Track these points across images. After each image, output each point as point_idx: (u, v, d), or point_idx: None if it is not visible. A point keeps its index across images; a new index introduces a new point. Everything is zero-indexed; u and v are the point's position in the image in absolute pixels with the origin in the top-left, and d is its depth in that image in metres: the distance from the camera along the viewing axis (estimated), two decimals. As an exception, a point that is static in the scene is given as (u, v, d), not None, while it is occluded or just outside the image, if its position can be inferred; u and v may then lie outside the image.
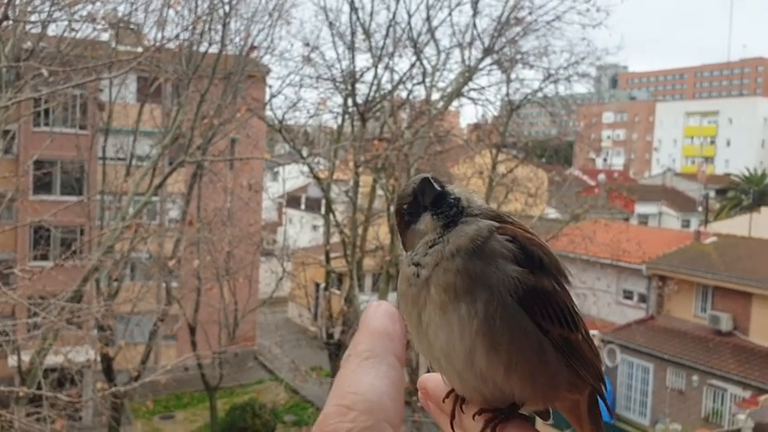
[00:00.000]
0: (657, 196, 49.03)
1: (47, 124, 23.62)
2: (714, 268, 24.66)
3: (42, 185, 24.85)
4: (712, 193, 52.46)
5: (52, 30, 13.16)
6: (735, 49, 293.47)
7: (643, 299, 26.80)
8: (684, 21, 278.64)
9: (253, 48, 19.56)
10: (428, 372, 1.02)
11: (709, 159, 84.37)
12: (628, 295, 27.44)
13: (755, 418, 19.30)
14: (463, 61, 20.98)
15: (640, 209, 46.26)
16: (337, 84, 21.36)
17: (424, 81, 21.12)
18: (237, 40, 19.34)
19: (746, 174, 57.72)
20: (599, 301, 24.18)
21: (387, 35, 20.46)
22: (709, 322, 24.09)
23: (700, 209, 45.78)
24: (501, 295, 0.92)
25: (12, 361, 15.03)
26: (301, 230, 37.52)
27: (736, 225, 34.77)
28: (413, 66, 21.00)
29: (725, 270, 24.34)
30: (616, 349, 25.05)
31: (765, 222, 33.65)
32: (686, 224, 45.60)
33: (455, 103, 22.38)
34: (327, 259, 22.54)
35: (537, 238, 1.01)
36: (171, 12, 16.90)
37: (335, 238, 22.98)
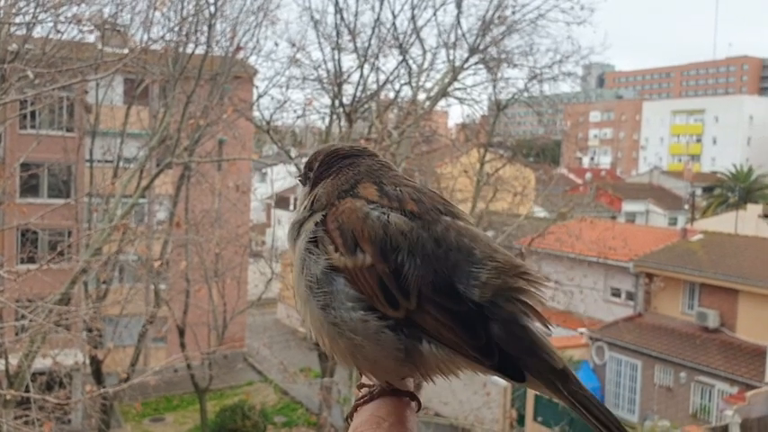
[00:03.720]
0: (644, 194, 49.30)
1: (33, 127, 23.52)
2: (701, 265, 24.84)
3: (29, 188, 24.72)
4: (699, 191, 52.80)
5: (37, 32, 13.13)
6: (720, 47, 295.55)
7: (630, 296, 26.96)
8: (670, 19, 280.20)
9: (239, 48, 19.55)
10: None
11: (695, 157, 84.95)
12: (615, 293, 27.60)
13: (743, 414, 19.44)
14: (449, 61, 21.05)
15: (627, 207, 46.52)
16: (324, 84, 21.37)
17: (410, 81, 21.16)
18: (223, 41, 19.34)
19: (732, 171, 58.13)
20: (586, 299, 24.28)
21: (372, 35, 20.51)
22: (696, 319, 24.25)
23: (686, 206, 46.05)
24: (306, 270, 1.10)
25: (-1, 364, 14.95)
26: (290, 231, 37.36)
27: (723, 222, 34.99)
28: (398, 65, 21.06)
29: (711, 267, 24.52)
30: (604, 347, 25.19)
31: (751, 219, 33.91)
32: (673, 222, 45.87)
33: (442, 102, 22.43)
34: (317, 260, 22.52)
35: (352, 206, 1.11)
36: (157, 13, 16.88)
37: (324, 239, 22.95)
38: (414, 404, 1.09)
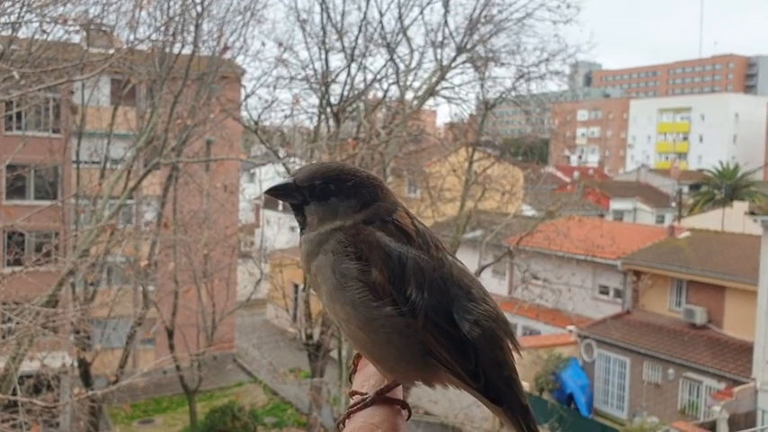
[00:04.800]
0: (632, 192, 49.51)
1: (19, 128, 23.38)
2: (688, 263, 24.97)
3: (16, 190, 24.56)
4: (686, 189, 53.05)
5: (23, 32, 13.04)
6: (706, 45, 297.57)
7: (619, 294, 27.07)
8: (656, 18, 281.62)
9: (225, 48, 19.50)
10: None
11: (682, 155, 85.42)
12: (603, 290, 27.70)
13: (730, 410, 19.60)
14: (437, 60, 21.08)
15: (615, 205, 46.72)
16: (312, 84, 21.36)
17: (398, 81, 21.18)
18: (210, 40, 19.29)
19: (719, 169, 58.45)
20: (575, 297, 24.37)
21: (358, 34, 20.50)
22: (683, 316, 24.38)
23: (673, 204, 46.31)
24: (333, 276, 1.15)
25: (-14, 368, 14.82)
26: (279, 232, 37.39)
27: (710, 220, 35.25)
28: (385, 64, 21.07)
29: (699, 264, 24.65)
30: (593, 344, 25.29)
31: (738, 217, 34.12)
32: (660, 219, 46.10)
33: (430, 101, 22.45)
34: (305, 260, 22.48)
35: (373, 240, 1.17)
36: (143, 13, 16.80)
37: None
38: (404, 412, 1.14)
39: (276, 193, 1.26)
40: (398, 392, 1.15)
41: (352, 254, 1.14)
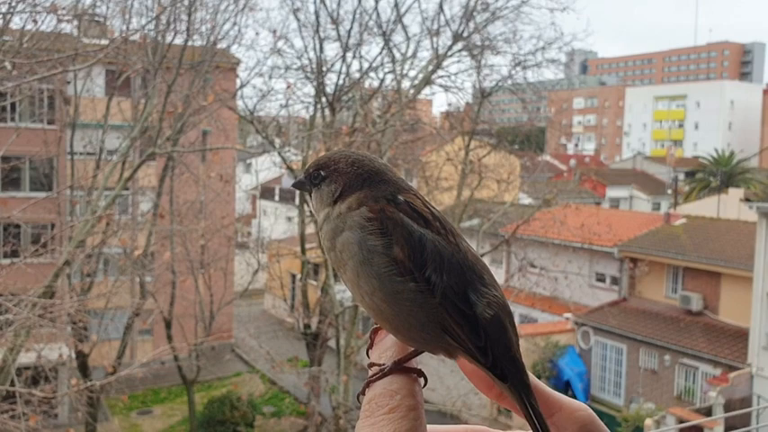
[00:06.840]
0: (628, 180, 49.60)
1: (13, 119, 23.29)
2: (684, 249, 25.03)
3: (11, 182, 24.51)
4: (681, 176, 53.12)
5: (15, 22, 12.96)
6: (702, 32, 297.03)
7: (615, 281, 27.14)
8: (652, 5, 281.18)
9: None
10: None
11: (677, 143, 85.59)
12: (600, 278, 27.76)
13: (726, 395, 19.71)
14: (433, 48, 21.02)
15: (611, 193, 46.78)
16: (307, 73, 21.29)
17: (393, 70, 21.12)
18: (204, 29, 19.19)
19: (714, 156, 58.48)
20: (572, 284, 24.43)
21: (353, 21, 20.43)
22: (680, 302, 24.46)
23: (669, 191, 46.39)
24: (360, 252, 1.19)
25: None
26: (276, 222, 37.39)
27: (705, 207, 35.29)
28: (381, 52, 21.01)
29: (694, 251, 24.71)
30: (590, 331, 25.37)
31: (733, 203, 34.21)
32: (656, 207, 46.19)
33: (426, 90, 22.40)
34: (303, 250, 22.55)
35: (398, 219, 1.21)
36: (135, 3, 16.71)
37: (310, 229, 22.98)
38: (421, 380, 1.20)
39: (294, 185, 1.39)
40: (414, 362, 1.22)
41: (377, 230, 1.20)
